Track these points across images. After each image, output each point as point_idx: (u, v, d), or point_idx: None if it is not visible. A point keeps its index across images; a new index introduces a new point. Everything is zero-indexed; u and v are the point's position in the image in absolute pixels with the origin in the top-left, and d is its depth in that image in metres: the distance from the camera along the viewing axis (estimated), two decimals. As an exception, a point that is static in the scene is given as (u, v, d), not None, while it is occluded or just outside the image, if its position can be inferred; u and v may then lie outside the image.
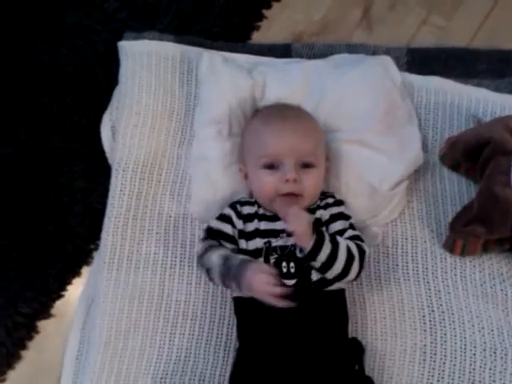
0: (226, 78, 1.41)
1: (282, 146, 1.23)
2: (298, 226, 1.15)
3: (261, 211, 1.27)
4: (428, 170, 1.45)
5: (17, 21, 1.62)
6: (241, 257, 1.20)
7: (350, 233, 1.24)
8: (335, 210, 1.28)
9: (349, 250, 1.19)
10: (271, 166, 1.24)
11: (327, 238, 1.17)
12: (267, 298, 1.13)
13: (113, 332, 1.30)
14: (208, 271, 1.22)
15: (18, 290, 1.39)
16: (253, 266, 1.16)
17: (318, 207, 1.28)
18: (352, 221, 1.28)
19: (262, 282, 1.12)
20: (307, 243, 1.15)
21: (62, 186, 1.48)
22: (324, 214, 1.27)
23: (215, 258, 1.20)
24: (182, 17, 1.64)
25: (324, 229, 1.24)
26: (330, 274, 1.18)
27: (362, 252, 1.21)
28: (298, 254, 1.18)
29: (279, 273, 1.17)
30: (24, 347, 1.37)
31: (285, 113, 1.31)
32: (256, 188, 1.28)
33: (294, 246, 1.20)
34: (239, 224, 1.25)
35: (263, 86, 1.43)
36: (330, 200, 1.30)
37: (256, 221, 1.25)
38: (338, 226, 1.25)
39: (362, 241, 1.24)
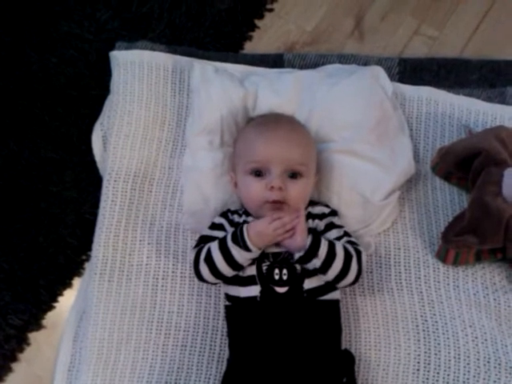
0: (218, 88, 1.41)
1: (270, 152, 1.23)
2: (302, 225, 1.16)
3: (250, 219, 1.26)
4: (420, 180, 1.45)
5: (8, 30, 1.61)
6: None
7: (345, 239, 1.25)
8: (330, 219, 1.29)
9: (345, 249, 1.20)
10: (259, 173, 1.24)
11: (322, 237, 1.19)
12: (281, 235, 1.16)
13: (105, 344, 1.29)
14: (207, 259, 1.19)
15: (8, 302, 1.37)
16: (249, 223, 1.19)
17: (313, 216, 1.28)
18: (346, 229, 1.28)
19: (267, 223, 1.15)
20: (305, 241, 1.16)
21: (53, 196, 1.47)
22: (320, 224, 1.27)
23: (211, 243, 1.21)
24: (174, 27, 1.63)
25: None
26: (331, 274, 1.18)
27: (358, 252, 1.22)
28: (296, 255, 1.17)
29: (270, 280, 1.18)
30: (15, 359, 1.36)
31: (278, 121, 1.32)
32: (243, 194, 1.27)
33: (287, 252, 1.20)
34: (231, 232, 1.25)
35: (255, 96, 1.43)
36: (327, 210, 1.31)
37: None
38: (333, 234, 1.26)
39: (358, 245, 1.25)
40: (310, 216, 1.28)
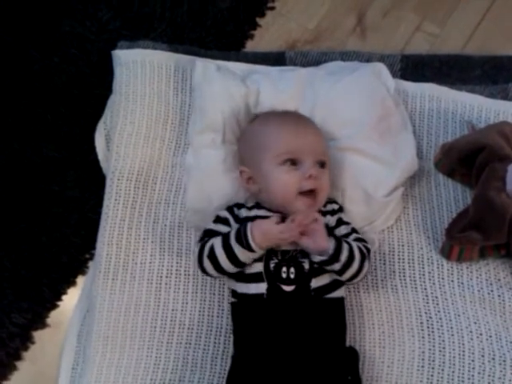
0: (220, 87, 1.41)
1: (302, 143, 1.24)
2: (321, 227, 1.17)
3: (261, 213, 1.25)
4: (423, 177, 1.45)
5: (10, 29, 1.61)
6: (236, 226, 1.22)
7: (354, 236, 1.26)
8: (339, 215, 1.30)
9: (360, 249, 1.21)
10: (294, 162, 1.23)
11: (341, 238, 1.21)
12: (286, 240, 1.16)
13: (109, 342, 1.29)
14: (210, 256, 1.19)
15: (12, 301, 1.38)
16: (254, 222, 1.18)
17: (325, 212, 1.28)
18: (353, 225, 1.29)
19: (273, 223, 1.15)
20: (328, 245, 1.16)
21: (56, 195, 1.47)
22: (331, 220, 1.27)
23: (215, 239, 1.20)
24: (176, 25, 1.63)
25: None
26: (347, 275, 1.19)
27: (368, 251, 1.24)
28: (317, 258, 1.17)
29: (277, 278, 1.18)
30: (19, 358, 1.36)
31: (297, 115, 1.35)
32: (274, 186, 1.23)
33: (295, 250, 1.19)
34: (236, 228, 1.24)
35: (257, 94, 1.42)
36: (336, 206, 1.31)
37: None
38: (342, 230, 1.27)
39: (366, 242, 1.26)
40: (322, 214, 1.27)
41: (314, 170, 1.21)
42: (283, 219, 1.19)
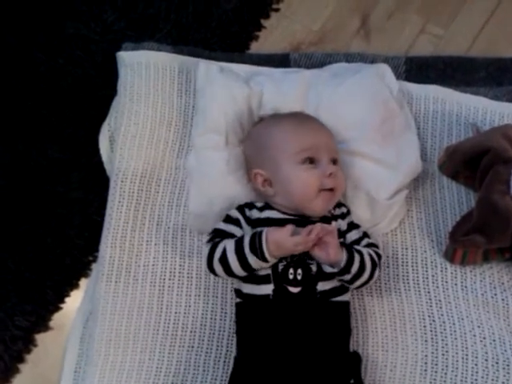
0: (223, 88, 1.40)
1: (317, 141, 1.24)
2: (335, 240, 1.17)
3: (273, 215, 1.24)
4: (427, 179, 1.44)
5: (15, 31, 1.62)
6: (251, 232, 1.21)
7: (366, 241, 1.27)
8: (349, 219, 1.30)
9: (371, 258, 1.22)
10: (312, 161, 1.23)
11: (353, 249, 1.20)
12: (300, 250, 1.16)
13: (111, 345, 1.29)
14: (222, 261, 1.19)
15: (15, 303, 1.38)
16: (269, 229, 1.17)
17: (335, 216, 1.28)
18: (363, 229, 1.30)
19: (287, 234, 1.14)
20: (341, 257, 1.17)
21: (60, 196, 1.47)
22: (342, 224, 1.27)
23: (227, 242, 1.20)
24: (181, 27, 1.63)
25: (341, 240, 1.25)
26: (356, 284, 1.20)
27: (379, 258, 1.25)
28: (328, 269, 1.18)
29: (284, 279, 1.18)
30: (21, 360, 1.36)
31: (306, 115, 1.35)
32: (295, 186, 1.23)
33: (304, 252, 1.19)
34: (248, 230, 1.24)
35: (260, 96, 1.42)
36: (344, 209, 1.31)
37: (265, 228, 1.21)
38: (353, 235, 1.27)
39: (377, 247, 1.27)
40: (333, 217, 1.27)
41: (332, 168, 1.22)
42: (297, 223, 1.19)
